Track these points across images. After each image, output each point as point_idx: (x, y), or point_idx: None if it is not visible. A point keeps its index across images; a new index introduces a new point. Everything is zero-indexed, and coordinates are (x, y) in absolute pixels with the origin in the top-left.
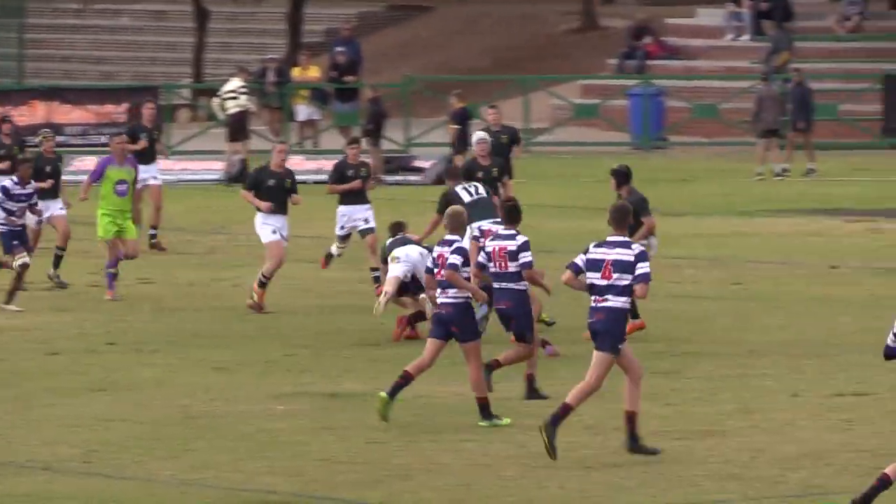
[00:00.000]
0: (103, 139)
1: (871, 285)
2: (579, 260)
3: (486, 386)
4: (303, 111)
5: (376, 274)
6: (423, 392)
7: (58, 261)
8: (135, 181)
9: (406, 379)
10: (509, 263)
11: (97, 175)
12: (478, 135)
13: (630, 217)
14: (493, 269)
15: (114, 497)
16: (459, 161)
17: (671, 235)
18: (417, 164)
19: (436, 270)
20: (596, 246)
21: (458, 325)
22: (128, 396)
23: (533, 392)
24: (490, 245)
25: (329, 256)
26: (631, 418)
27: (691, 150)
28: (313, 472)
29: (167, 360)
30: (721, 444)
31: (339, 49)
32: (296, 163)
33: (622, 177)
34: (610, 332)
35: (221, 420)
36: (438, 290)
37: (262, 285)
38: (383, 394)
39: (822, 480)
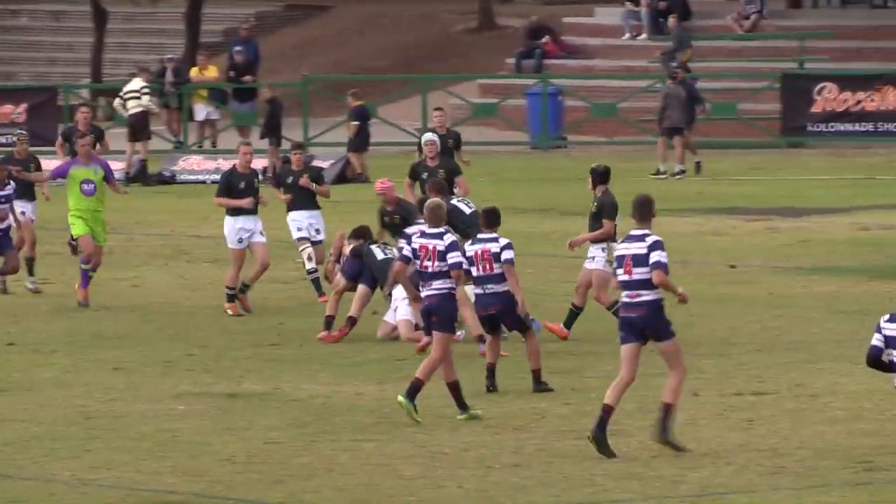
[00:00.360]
0: (2, 140)
1: (770, 284)
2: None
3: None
4: (201, 111)
5: (315, 276)
6: (321, 392)
7: (30, 266)
8: (105, 180)
9: (419, 384)
10: (494, 266)
11: (58, 173)
12: (427, 137)
13: (653, 208)
14: (476, 273)
15: (14, 497)
16: (355, 160)
17: (571, 235)
18: (316, 163)
19: (418, 262)
20: (621, 241)
21: (437, 315)
22: (27, 397)
23: (540, 385)
24: (471, 249)
25: (315, 280)
26: (667, 409)
27: (590, 149)
28: (214, 472)
29: (67, 361)
30: (621, 443)
31: (237, 49)
32: (194, 163)
33: (599, 176)
34: (650, 326)
35: (121, 420)
36: (421, 283)
37: (242, 291)
38: (401, 398)
39: (723, 479)
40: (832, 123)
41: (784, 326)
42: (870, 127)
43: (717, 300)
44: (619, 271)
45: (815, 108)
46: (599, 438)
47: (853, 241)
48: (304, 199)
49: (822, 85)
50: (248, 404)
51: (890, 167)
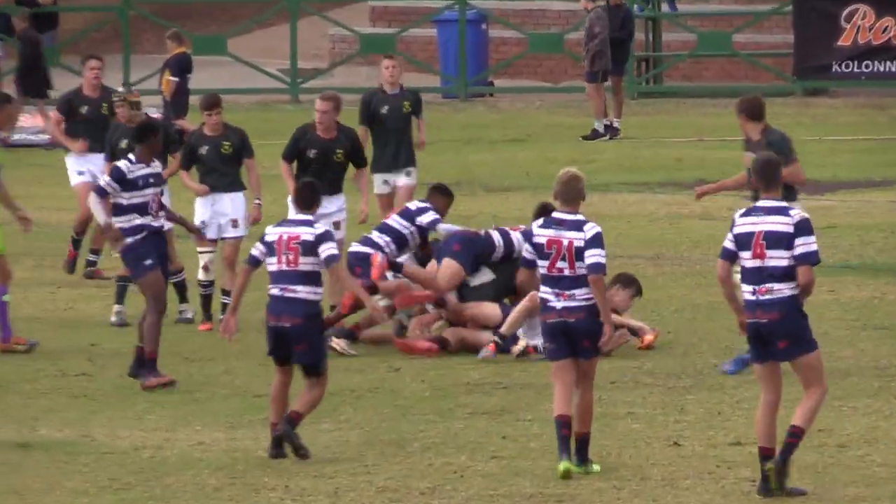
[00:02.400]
0: None
1: None
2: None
3: None
4: None
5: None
6: (148, 442)
7: None
8: None
9: None
10: None
11: None
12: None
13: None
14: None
15: None
16: (186, 125)
17: (501, 219)
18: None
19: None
20: (743, 215)
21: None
22: None
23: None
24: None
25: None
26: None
27: (526, 97)
28: None
29: None
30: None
31: None
32: None
33: (749, 109)
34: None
35: None
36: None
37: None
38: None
39: None
40: (866, 62)
41: None
42: None
43: (704, 310)
44: (745, 254)
45: (843, 41)
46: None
47: None
48: (219, 178)
49: (852, 7)
50: (45, 458)
51: None
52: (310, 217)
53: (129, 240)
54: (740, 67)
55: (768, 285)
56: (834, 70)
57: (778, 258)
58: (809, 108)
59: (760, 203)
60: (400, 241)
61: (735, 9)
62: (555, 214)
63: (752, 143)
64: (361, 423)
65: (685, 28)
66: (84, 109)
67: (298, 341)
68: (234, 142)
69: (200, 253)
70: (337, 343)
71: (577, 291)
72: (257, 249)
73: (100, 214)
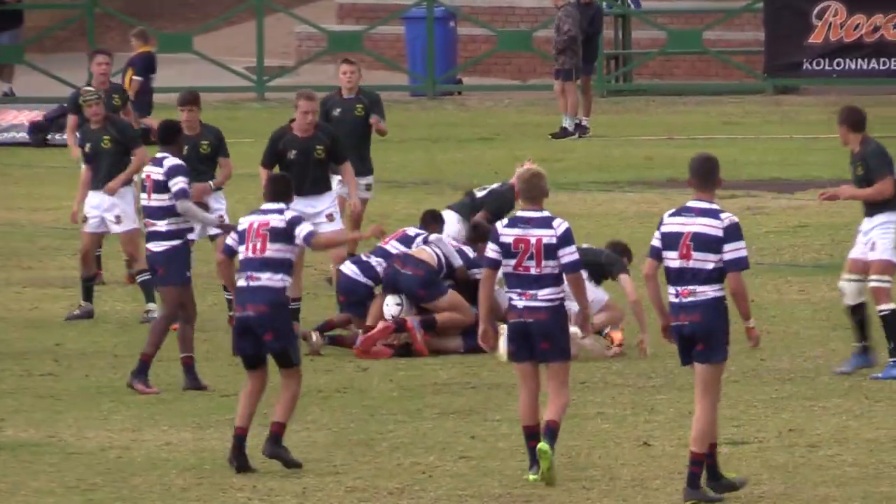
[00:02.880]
0: None
1: (752, 287)
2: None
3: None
4: None
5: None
6: (115, 442)
7: None
8: None
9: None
10: None
11: None
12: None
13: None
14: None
15: None
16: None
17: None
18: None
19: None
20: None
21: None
22: None
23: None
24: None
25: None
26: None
27: (494, 96)
28: None
29: None
30: None
31: None
32: None
33: (850, 120)
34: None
35: None
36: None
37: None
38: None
39: None
40: (838, 59)
41: (772, 347)
42: (892, 64)
43: None
44: (671, 254)
45: (814, 38)
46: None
47: None
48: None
49: (823, 5)
50: (11, 459)
51: None
52: (281, 205)
53: (177, 242)
54: (711, 65)
55: (691, 287)
56: (805, 68)
57: (703, 261)
58: (780, 106)
59: (692, 203)
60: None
61: (705, 6)
62: (520, 213)
63: (853, 154)
64: (329, 424)
65: (655, 25)
66: None
67: (264, 330)
68: (211, 141)
69: None
70: (313, 333)
71: (539, 291)
72: (231, 239)
73: (199, 213)
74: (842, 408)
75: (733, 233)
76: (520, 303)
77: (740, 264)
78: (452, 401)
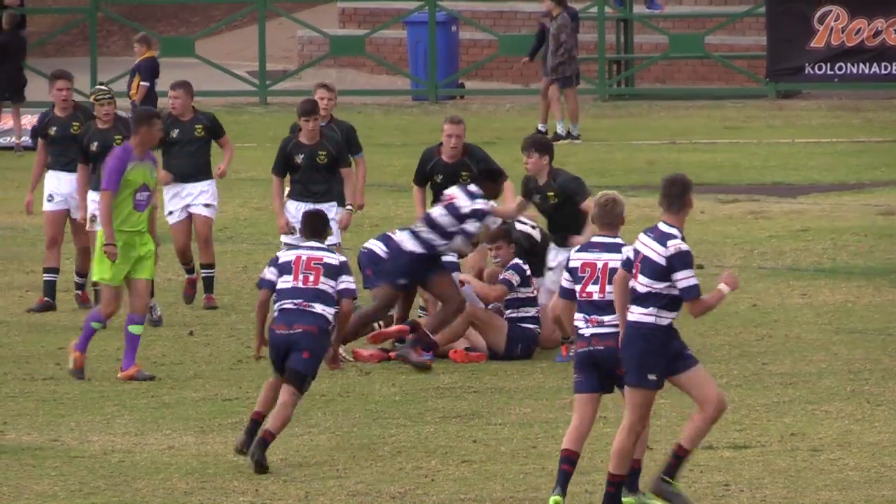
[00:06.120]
0: None
1: (754, 291)
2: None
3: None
4: None
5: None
6: (118, 446)
7: None
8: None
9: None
10: None
11: (119, 175)
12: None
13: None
14: None
15: None
16: None
17: None
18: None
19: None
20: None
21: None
22: None
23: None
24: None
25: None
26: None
27: (496, 100)
28: None
29: None
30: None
31: None
32: None
33: None
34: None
35: None
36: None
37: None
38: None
39: None
40: (840, 64)
41: (774, 351)
42: (894, 68)
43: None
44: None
45: (816, 43)
46: None
47: (870, 231)
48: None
49: (825, 9)
50: (14, 463)
51: None
52: (324, 245)
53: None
54: (713, 69)
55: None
56: (807, 72)
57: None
58: (782, 111)
59: (659, 226)
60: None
61: (707, 10)
62: (593, 238)
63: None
64: (332, 428)
65: (657, 30)
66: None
67: (302, 347)
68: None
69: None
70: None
71: (605, 318)
72: (271, 273)
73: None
74: (844, 412)
75: (679, 262)
76: (587, 330)
77: (691, 292)
78: (455, 405)
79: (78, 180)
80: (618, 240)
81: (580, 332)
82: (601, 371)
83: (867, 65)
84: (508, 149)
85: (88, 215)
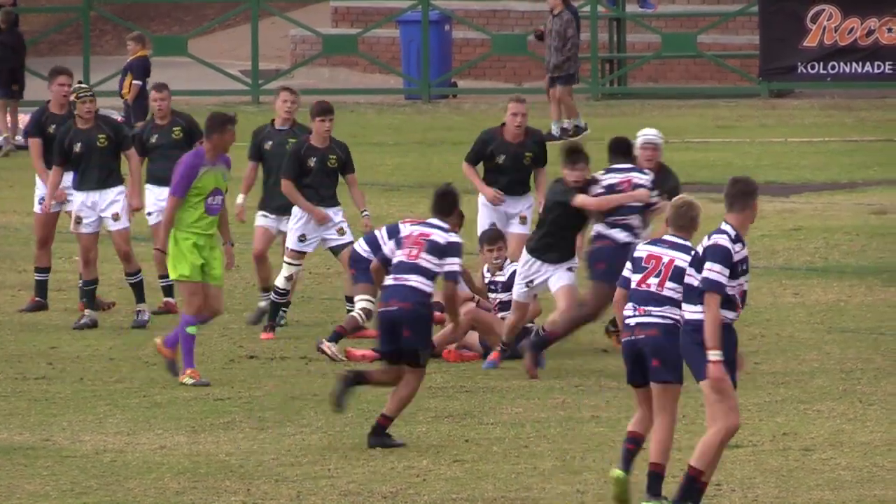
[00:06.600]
0: None
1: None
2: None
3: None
4: None
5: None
6: (110, 445)
7: None
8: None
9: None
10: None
11: (189, 182)
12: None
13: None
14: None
15: None
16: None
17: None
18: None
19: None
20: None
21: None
22: None
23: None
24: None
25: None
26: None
27: (490, 99)
28: None
29: None
30: None
31: None
32: None
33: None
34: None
35: None
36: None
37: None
38: (618, 472)
39: None
40: (832, 63)
41: (766, 351)
42: (887, 67)
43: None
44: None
45: (809, 42)
46: None
47: (863, 230)
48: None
49: (818, 8)
50: (6, 462)
51: None
52: (446, 225)
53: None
54: (705, 69)
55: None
56: (800, 71)
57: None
58: (775, 110)
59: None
60: None
61: (700, 9)
62: (665, 236)
63: None
64: (324, 427)
65: (650, 29)
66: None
67: (404, 326)
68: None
69: (289, 264)
70: (327, 347)
71: (654, 309)
72: (387, 248)
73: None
74: (836, 411)
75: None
76: (633, 319)
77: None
78: (447, 404)
79: (51, 183)
80: (688, 243)
81: (626, 320)
82: (641, 362)
83: (860, 64)
84: None
85: (73, 217)
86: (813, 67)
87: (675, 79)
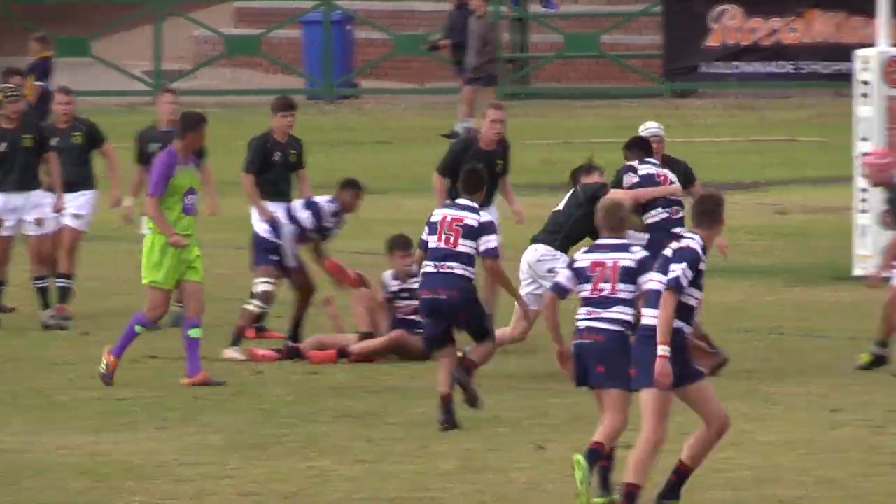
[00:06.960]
0: None
1: None
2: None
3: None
4: None
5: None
6: (9, 445)
7: None
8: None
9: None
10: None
11: (167, 180)
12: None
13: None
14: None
15: None
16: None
17: (371, 221)
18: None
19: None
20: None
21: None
22: None
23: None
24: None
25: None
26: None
27: (392, 99)
28: None
29: None
30: None
31: None
32: None
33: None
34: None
35: None
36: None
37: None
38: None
39: None
40: (735, 63)
41: None
42: (789, 67)
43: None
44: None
45: (711, 41)
46: None
47: (765, 230)
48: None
49: (721, 8)
50: None
51: (817, 123)
52: (475, 204)
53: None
54: (608, 69)
55: None
56: (702, 71)
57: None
58: (678, 110)
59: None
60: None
61: (603, 9)
62: (600, 241)
63: None
64: (224, 427)
65: (553, 29)
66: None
67: (456, 313)
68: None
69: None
70: (229, 355)
71: (603, 312)
72: (424, 233)
73: None
74: (738, 411)
75: None
76: (583, 322)
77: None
78: (350, 404)
79: None
80: (625, 241)
81: (577, 323)
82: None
83: (762, 63)
84: (403, 148)
85: (33, 219)
86: (716, 67)
87: (578, 79)
